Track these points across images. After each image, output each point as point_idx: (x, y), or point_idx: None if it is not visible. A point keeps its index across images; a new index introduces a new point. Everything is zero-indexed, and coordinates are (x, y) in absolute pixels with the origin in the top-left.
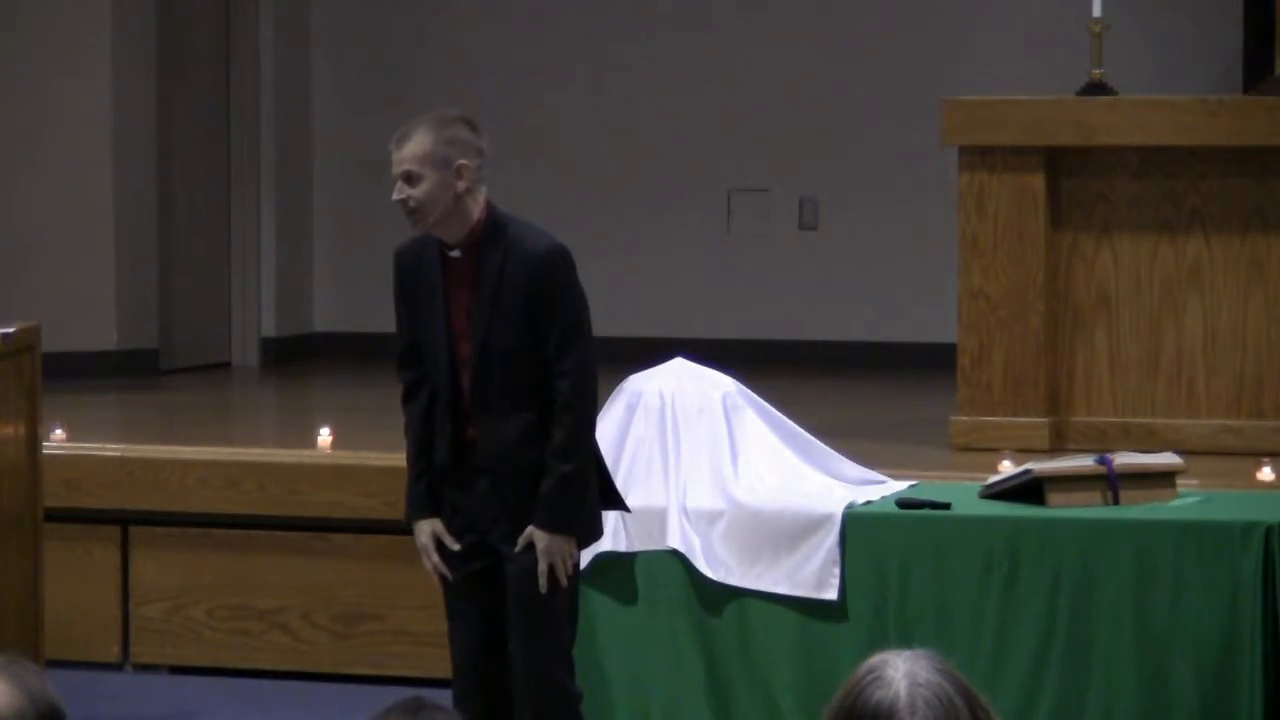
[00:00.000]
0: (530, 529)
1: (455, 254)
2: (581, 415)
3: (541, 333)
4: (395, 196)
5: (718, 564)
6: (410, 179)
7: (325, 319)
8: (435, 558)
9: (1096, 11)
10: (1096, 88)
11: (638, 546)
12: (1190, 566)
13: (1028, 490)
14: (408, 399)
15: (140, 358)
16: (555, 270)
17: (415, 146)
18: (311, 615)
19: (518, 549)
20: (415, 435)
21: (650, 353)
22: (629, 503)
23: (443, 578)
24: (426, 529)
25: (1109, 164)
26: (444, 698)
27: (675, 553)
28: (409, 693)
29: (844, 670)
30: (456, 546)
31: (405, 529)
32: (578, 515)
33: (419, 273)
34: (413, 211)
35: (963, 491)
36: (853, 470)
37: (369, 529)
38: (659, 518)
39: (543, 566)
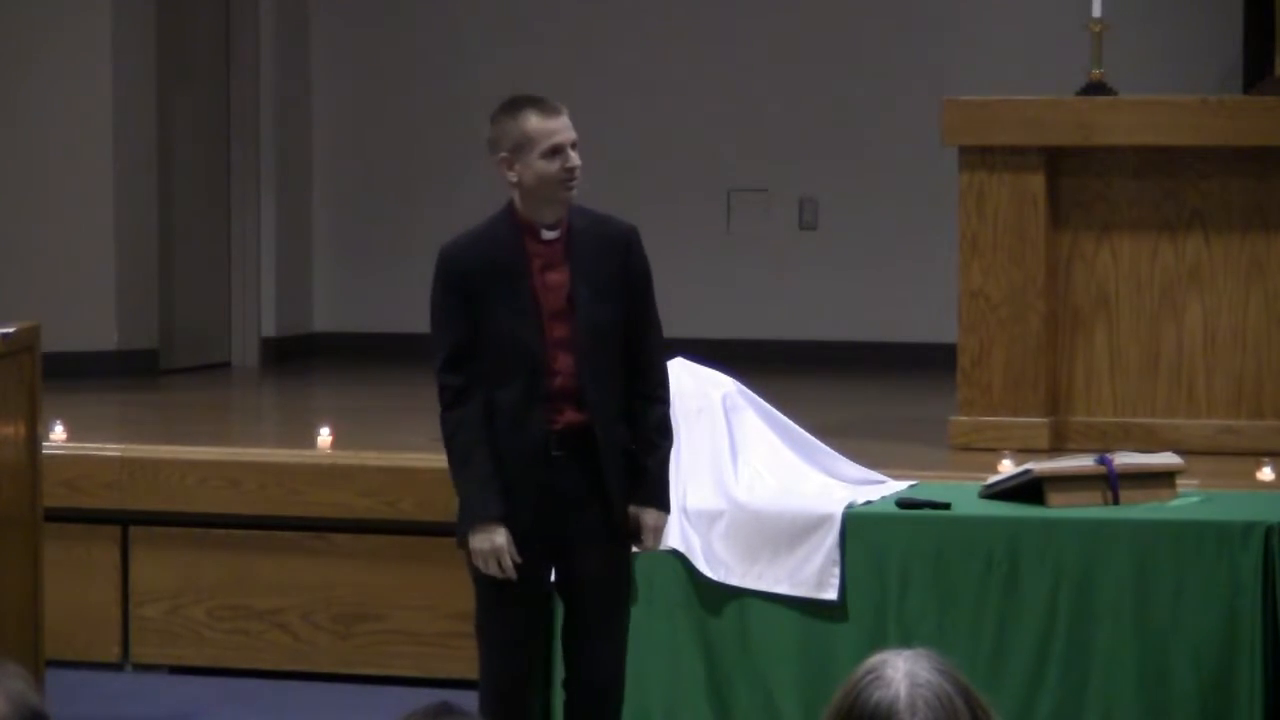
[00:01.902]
0: (639, 511)
1: (553, 235)
2: (669, 391)
3: (630, 310)
4: (571, 164)
5: (718, 564)
6: (575, 146)
7: (325, 319)
8: (508, 562)
9: (1096, 11)
10: (1096, 88)
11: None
12: (1190, 566)
13: (1028, 490)
14: (460, 402)
15: (140, 358)
16: (639, 248)
17: (568, 117)
18: (311, 615)
19: (610, 538)
20: (481, 436)
21: None
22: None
23: (498, 591)
24: (504, 533)
25: (1109, 164)
26: (448, 696)
27: (675, 553)
28: (412, 694)
29: (844, 670)
30: (519, 560)
31: (405, 529)
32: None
33: (490, 264)
34: (577, 180)
35: (963, 491)
36: (853, 470)
37: (369, 529)
38: None
39: (650, 544)
